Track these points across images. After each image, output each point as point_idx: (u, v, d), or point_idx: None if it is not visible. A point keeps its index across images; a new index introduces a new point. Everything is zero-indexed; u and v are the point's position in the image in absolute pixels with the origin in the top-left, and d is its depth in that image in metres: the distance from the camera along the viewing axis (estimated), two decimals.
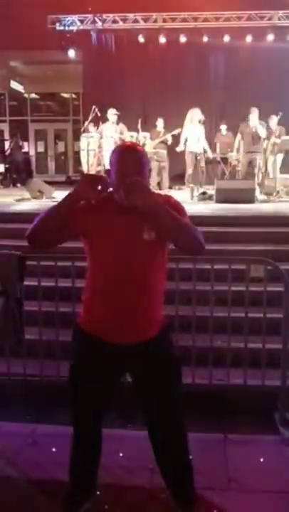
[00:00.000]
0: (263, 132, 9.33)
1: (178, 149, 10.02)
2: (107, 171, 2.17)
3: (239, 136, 9.73)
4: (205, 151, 9.97)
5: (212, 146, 10.47)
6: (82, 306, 2.27)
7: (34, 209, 7.33)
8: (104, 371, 2.22)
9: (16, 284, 3.44)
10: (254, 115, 9.26)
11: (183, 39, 12.03)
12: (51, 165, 18.04)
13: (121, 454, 3.00)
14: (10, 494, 2.67)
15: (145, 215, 1.99)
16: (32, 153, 17.20)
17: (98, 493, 2.54)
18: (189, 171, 10.02)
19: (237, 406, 3.72)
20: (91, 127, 9.86)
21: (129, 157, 2.11)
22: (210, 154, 10.02)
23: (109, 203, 2.09)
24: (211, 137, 10.54)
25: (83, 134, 9.60)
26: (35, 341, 3.68)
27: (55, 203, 2.09)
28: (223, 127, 10.70)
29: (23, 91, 17.43)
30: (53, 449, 3.06)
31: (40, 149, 18.12)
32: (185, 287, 3.85)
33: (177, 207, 2.14)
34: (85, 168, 9.80)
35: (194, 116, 9.80)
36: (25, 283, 3.48)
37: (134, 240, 2.08)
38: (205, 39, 11.93)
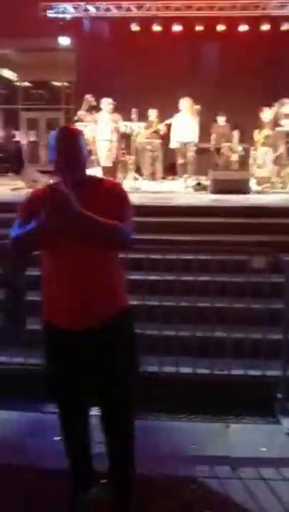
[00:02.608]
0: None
1: (171, 146, 9.99)
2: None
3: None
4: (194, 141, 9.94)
5: (208, 136, 10.42)
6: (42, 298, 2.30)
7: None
8: (66, 357, 2.24)
9: (18, 275, 3.43)
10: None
11: (177, 28, 11.94)
12: (43, 154, 17.89)
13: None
14: (17, 483, 2.68)
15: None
16: (24, 142, 17.04)
17: (104, 480, 2.55)
18: (179, 160, 9.99)
19: (238, 396, 3.74)
20: (88, 117, 9.76)
21: (64, 137, 2.17)
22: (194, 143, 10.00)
23: (52, 191, 2.11)
24: (207, 128, 10.50)
25: (77, 124, 9.50)
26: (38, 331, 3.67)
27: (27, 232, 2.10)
28: (221, 118, 10.67)
29: (15, 79, 17.23)
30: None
31: (32, 138, 17.96)
32: (186, 278, 3.86)
33: (120, 195, 2.23)
34: None
35: (183, 106, 9.75)
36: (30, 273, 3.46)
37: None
38: (199, 28, 11.84)
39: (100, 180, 2.37)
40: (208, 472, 2.81)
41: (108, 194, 2.21)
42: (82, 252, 2.11)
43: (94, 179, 2.35)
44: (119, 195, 2.22)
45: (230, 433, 3.27)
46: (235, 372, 3.78)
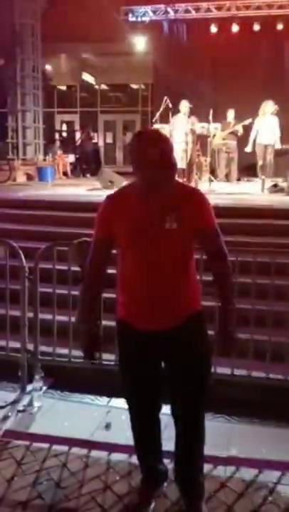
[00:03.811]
0: None
1: (246, 149, 9.84)
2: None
3: None
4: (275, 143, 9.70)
5: (287, 137, 10.17)
6: (118, 298, 2.35)
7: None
8: (141, 358, 2.27)
9: None
10: None
11: (256, 27, 11.75)
12: (119, 155, 18.25)
13: None
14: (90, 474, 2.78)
15: None
16: (101, 144, 17.46)
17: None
18: (260, 162, 9.82)
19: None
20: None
21: (151, 147, 2.07)
22: (278, 145, 9.74)
23: (130, 196, 2.17)
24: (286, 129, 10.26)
25: (155, 125, 9.61)
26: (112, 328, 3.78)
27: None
28: None
29: (94, 82, 17.70)
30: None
31: (109, 140, 18.37)
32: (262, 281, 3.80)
33: (202, 203, 2.18)
34: None
35: (266, 109, 9.57)
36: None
37: (157, 230, 2.11)
38: (280, 27, 11.59)
39: (181, 185, 2.33)
40: (279, 478, 2.77)
41: (188, 201, 2.17)
42: (161, 255, 2.13)
43: (176, 186, 2.26)
44: (200, 203, 2.19)
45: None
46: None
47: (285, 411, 3.47)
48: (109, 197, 2.26)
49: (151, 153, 2.05)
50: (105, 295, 2.86)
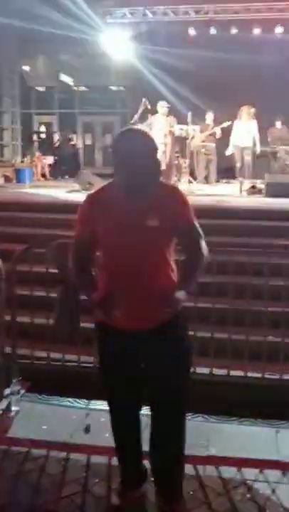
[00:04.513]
0: None
1: (226, 153, 9.92)
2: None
3: None
4: (254, 145, 9.79)
5: (265, 140, 10.27)
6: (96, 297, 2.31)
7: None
8: (121, 358, 2.26)
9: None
10: None
11: (234, 31, 11.86)
12: (98, 157, 18.19)
13: None
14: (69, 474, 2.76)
15: None
16: (80, 145, 17.39)
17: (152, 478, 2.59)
18: (237, 164, 9.90)
19: None
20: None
21: (133, 143, 2.10)
22: (258, 148, 9.84)
23: (111, 195, 2.18)
24: (266, 131, 10.38)
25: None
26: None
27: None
28: (278, 122, 10.52)
29: (72, 84, 17.61)
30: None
31: (88, 142, 18.31)
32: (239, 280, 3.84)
33: (182, 201, 2.20)
34: None
35: (244, 112, 9.67)
36: None
37: (138, 227, 2.11)
38: (257, 31, 11.72)
39: (162, 184, 2.33)
40: (257, 476, 2.80)
41: (169, 199, 2.19)
42: (142, 253, 2.14)
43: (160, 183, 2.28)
44: (181, 202, 2.21)
45: (280, 438, 3.23)
46: (287, 376, 3.72)
47: (261, 409, 3.51)
48: (90, 195, 2.26)
49: (134, 151, 2.07)
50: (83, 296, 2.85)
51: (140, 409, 2.46)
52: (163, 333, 2.21)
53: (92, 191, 2.33)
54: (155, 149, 2.18)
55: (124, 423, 2.45)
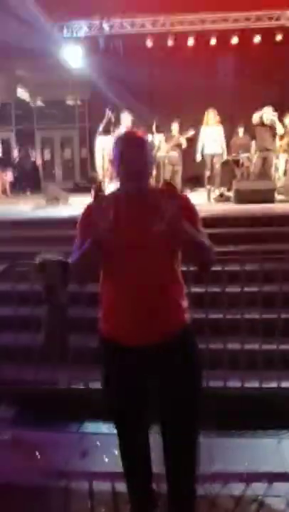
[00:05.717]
0: (280, 129, 9.26)
1: (197, 160, 9.92)
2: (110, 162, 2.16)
3: None
4: (223, 152, 9.85)
5: (228, 148, 10.36)
6: (100, 314, 2.19)
7: (52, 216, 7.23)
8: (128, 376, 2.13)
9: (60, 290, 3.37)
10: (269, 109, 9.20)
11: (190, 42, 12.01)
12: (58, 172, 18.02)
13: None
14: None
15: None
16: (39, 161, 17.18)
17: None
18: (207, 173, 9.91)
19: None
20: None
21: (132, 147, 2.07)
22: (224, 155, 9.90)
23: (113, 202, 2.08)
24: (227, 140, 10.47)
25: (99, 137, 9.48)
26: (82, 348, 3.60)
27: (81, 252, 2.06)
28: (240, 130, 10.66)
29: (29, 99, 17.40)
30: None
31: (47, 157, 18.12)
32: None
33: (193, 211, 2.13)
34: (100, 172, 9.69)
35: (209, 119, 9.71)
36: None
37: (145, 233, 2.02)
38: (213, 41, 11.90)
39: (162, 190, 2.21)
40: (268, 490, 2.70)
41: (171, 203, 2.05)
42: (149, 261, 2.02)
43: (156, 189, 2.26)
44: (192, 212, 2.11)
45: (283, 448, 3.16)
46: (285, 385, 3.66)
47: (260, 420, 3.44)
48: (89, 205, 2.11)
49: (132, 153, 2.03)
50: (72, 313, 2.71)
51: (149, 429, 2.32)
52: (172, 348, 2.08)
53: (91, 202, 2.19)
54: (151, 150, 2.17)
55: (135, 446, 2.30)
